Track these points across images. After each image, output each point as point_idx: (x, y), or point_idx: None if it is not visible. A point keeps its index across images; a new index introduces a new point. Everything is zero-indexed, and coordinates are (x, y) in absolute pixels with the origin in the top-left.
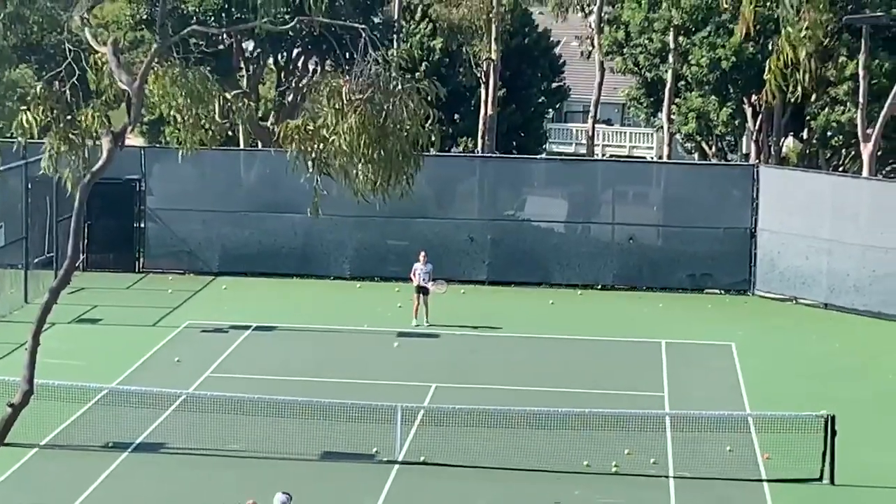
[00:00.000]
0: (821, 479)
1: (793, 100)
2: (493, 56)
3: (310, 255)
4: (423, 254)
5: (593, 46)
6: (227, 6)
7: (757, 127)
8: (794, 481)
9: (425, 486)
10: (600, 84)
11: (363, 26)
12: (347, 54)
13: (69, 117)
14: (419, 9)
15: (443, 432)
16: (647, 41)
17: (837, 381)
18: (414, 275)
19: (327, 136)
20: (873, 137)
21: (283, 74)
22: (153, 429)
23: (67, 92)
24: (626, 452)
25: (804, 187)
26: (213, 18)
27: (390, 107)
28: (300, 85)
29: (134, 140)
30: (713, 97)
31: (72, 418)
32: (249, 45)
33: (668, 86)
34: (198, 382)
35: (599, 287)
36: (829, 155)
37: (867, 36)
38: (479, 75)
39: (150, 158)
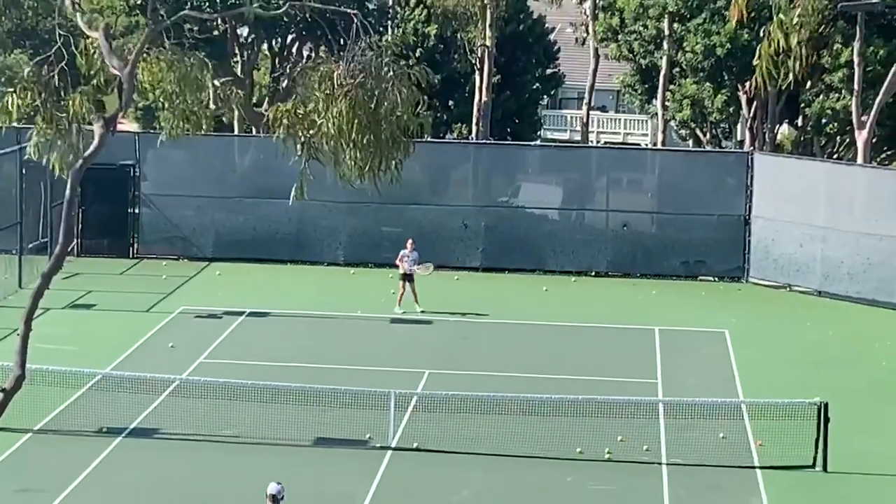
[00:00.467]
0: (813, 466)
1: (785, 87)
2: (488, 42)
3: (304, 241)
4: (410, 241)
5: (588, 33)
6: None
7: (751, 114)
8: (787, 468)
9: (418, 472)
10: (595, 71)
11: (355, 11)
12: (341, 40)
13: (57, 102)
14: None
15: (436, 418)
16: (641, 28)
17: (831, 369)
18: (401, 261)
19: (317, 120)
20: (868, 125)
21: (277, 60)
22: (147, 414)
23: (56, 76)
24: (619, 439)
25: (798, 175)
26: (206, 4)
27: (381, 93)
28: (294, 71)
29: (128, 125)
30: (708, 84)
31: (65, 403)
32: (244, 31)
33: (662, 72)
34: (191, 368)
35: (593, 274)
36: (823, 142)
37: (862, 23)
38: (473, 62)
39: (145, 144)
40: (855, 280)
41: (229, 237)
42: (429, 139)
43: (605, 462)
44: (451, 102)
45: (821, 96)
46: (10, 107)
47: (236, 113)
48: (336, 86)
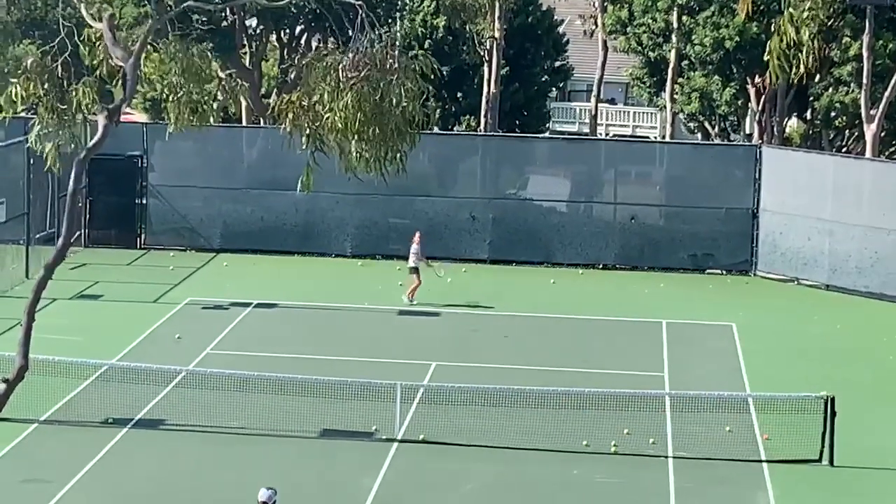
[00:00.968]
0: (820, 460)
1: (796, 80)
2: (497, 34)
3: (311, 232)
4: (417, 234)
5: (597, 25)
6: None
7: (760, 107)
8: (794, 462)
9: (424, 464)
10: (603, 63)
11: (360, 3)
12: (350, 31)
13: (61, 92)
14: None
15: (442, 411)
16: (650, 20)
17: (838, 363)
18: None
19: (322, 112)
20: (877, 118)
21: (285, 51)
22: (153, 405)
23: (59, 67)
24: (626, 432)
25: (807, 168)
26: None
27: (387, 85)
28: (302, 62)
29: (137, 116)
30: (716, 77)
31: (72, 394)
32: (252, 22)
33: (671, 65)
34: (198, 359)
35: (601, 266)
36: (832, 136)
37: (871, 16)
38: (482, 54)
39: (152, 135)
40: (863, 274)
41: (237, 228)
42: (437, 131)
43: (612, 455)
44: (459, 94)
45: (829, 90)
46: (13, 97)
47: (244, 104)
48: (342, 78)
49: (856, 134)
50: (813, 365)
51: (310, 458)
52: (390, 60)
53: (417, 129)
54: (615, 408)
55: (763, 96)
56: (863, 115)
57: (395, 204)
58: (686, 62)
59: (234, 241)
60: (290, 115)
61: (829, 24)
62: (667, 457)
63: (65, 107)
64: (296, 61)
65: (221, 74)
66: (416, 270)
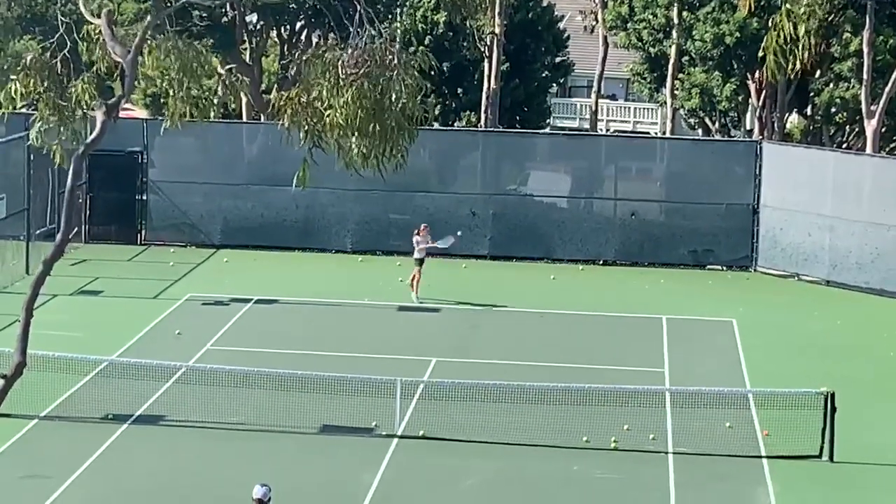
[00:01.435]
0: (820, 456)
1: (795, 76)
2: (497, 30)
3: (311, 228)
4: (423, 226)
5: (597, 21)
6: None
7: (760, 103)
8: (794, 458)
9: (424, 460)
10: (604, 59)
11: None
12: (350, 27)
13: (60, 88)
14: None
15: (442, 407)
16: (650, 16)
17: (838, 359)
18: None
19: (322, 109)
20: (877, 114)
21: (286, 47)
22: (153, 401)
23: (58, 63)
24: (626, 428)
25: (807, 164)
26: None
27: (386, 81)
28: (301, 58)
29: (138, 112)
30: (717, 73)
31: (72, 390)
32: (252, 18)
33: (671, 61)
34: (198, 355)
35: (601, 262)
36: (832, 131)
37: (871, 11)
38: (482, 49)
39: (152, 130)
40: (863, 270)
41: (237, 224)
42: (437, 127)
43: (612, 451)
44: (459, 90)
45: (830, 85)
46: (13, 93)
47: (244, 100)
48: (341, 75)
49: (856, 130)
50: (813, 361)
51: (309, 454)
52: (390, 57)
53: (416, 125)
54: (615, 404)
55: (763, 92)
56: (863, 110)
57: (395, 200)
58: (686, 58)
59: (234, 237)
60: (289, 112)
61: (830, 19)
62: (667, 452)
63: (65, 103)
64: (296, 57)
65: (221, 70)
66: (420, 262)
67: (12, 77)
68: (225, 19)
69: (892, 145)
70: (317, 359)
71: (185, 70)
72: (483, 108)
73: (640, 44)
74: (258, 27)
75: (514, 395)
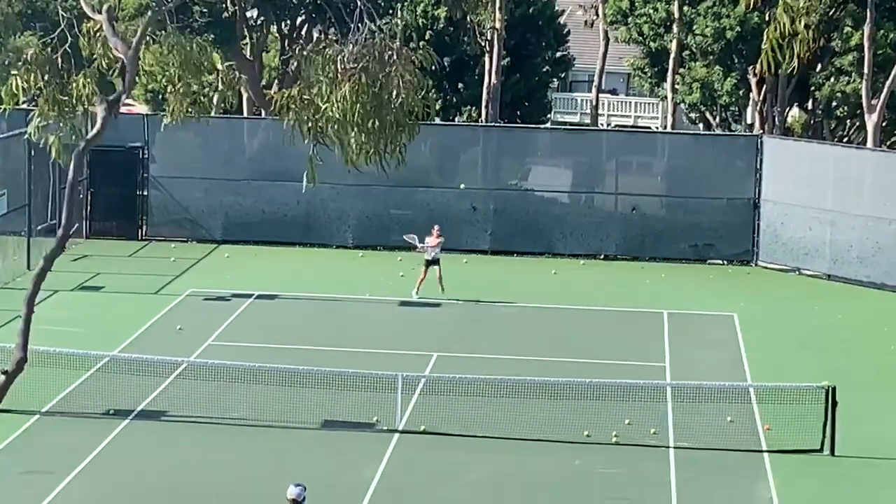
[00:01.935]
0: (821, 450)
1: (795, 70)
2: (498, 25)
3: (312, 223)
4: (436, 227)
5: (597, 15)
6: None
7: (761, 97)
8: (795, 452)
9: (425, 455)
10: (604, 54)
11: None
12: (351, 22)
13: (61, 84)
14: None
15: (444, 401)
16: (651, 10)
17: (839, 353)
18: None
19: (321, 105)
20: (878, 108)
21: (286, 42)
22: (154, 396)
23: (59, 58)
24: (627, 422)
25: (808, 158)
26: None
27: (385, 76)
28: (302, 53)
29: (138, 108)
30: (717, 67)
31: (73, 385)
32: (253, 14)
33: (672, 55)
34: (199, 350)
35: (602, 257)
36: (833, 125)
37: (872, 6)
38: (483, 44)
39: (153, 126)
40: (864, 264)
41: (238, 219)
42: (438, 122)
43: (613, 445)
44: (460, 85)
45: (831, 79)
46: (14, 89)
47: (245, 95)
48: (340, 70)
49: (857, 124)
50: (814, 355)
51: (311, 449)
52: (389, 52)
53: (416, 120)
54: (616, 398)
55: (764, 86)
56: (864, 104)
57: (396, 195)
58: (687, 52)
59: (235, 232)
60: (293, 108)
61: (831, 13)
62: (668, 447)
63: (65, 98)
64: (296, 53)
65: (221, 66)
66: (435, 263)
67: (13, 72)
68: (225, 14)
69: (892, 139)
70: (318, 354)
71: (185, 66)
72: (484, 103)
73: (640, 38)
74: (259, 22)
75: (516, 389)
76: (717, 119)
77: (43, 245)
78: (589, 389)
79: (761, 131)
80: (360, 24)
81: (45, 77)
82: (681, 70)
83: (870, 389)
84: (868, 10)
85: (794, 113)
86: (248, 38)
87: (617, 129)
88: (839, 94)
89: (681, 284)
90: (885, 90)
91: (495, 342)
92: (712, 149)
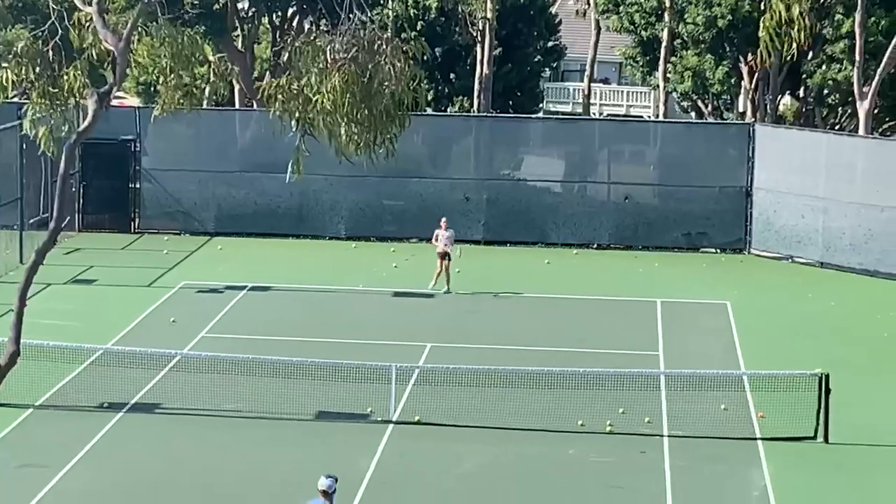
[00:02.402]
0: (815, 437)
1: (788, 58)
2: (489, 15)
3: (305, 215)
4: (443, 220)
5: (589, 5)
6: None
7: (753, 85)
8: (789, 440)
9: (420, 445)
10: (596, 43)
11: None
12: (342, 13)
13: (52, 76)
14: None
15: (437, 392)
16: None
17: (832, 340)
18: (435, 240)
19: (311, 95)
20: (869, 95)
21: (278, 34)
22: (148, 389)
23: (50, 51)
24: (621, 411)
25: (800, 146)
26: None
27: (374, 67)
28: (293, 44)
29: (130, 100)
30: (709, 56)
31: (67, 379)
32: (244, 5)
33: (663, 44)
34: (193, 343)
35: (595, 246)
36: (825, 113)
37: None
38: (474, 35)
39: (145, 118)
40: (857, 251)
41: (231, 211)
42: (430, 112)
43: (607, 434)
44: (452, 75)
45: (822, 67)
46: (5, 81)
47: (237, 87)
48: (329, 60)
49: (849, 111)
50: (807, 342)
51: (305, 441)
52: (379, 42)
53: (407, 111)
54: (610, 387)
55: (756, 74)
56: (856, 92)
57: (388, 185)
58: (679, 41)
59: (228, 225)
60: (280, 98)
61: (822, 1)
62: (662, 435)
63: (57, 91)
64: (287, 44)
65: (212, 58)
66: (446, 256)
67: (4, 65)
68: (217, 6)
69: (884, 126)
70: (312, 345)
71: (176, 58)
72: (476, 93)
73: (632, 27)
74: (250, 14)
75: (509, 379)
76: (709, 107)
77: (35, 238)
78: (583, 378)
79: (753, 119)
80: (350, 15)
81: (36, 70)
82: (672, 59)
83: (863, 376)
84: None
85: (786, 101)
86: (239, 30)
87: (609, 118)
88: (831, 82)
89: (674, 273)
90: (876, 77)
91: (489, 332)
92: (704, 137)
